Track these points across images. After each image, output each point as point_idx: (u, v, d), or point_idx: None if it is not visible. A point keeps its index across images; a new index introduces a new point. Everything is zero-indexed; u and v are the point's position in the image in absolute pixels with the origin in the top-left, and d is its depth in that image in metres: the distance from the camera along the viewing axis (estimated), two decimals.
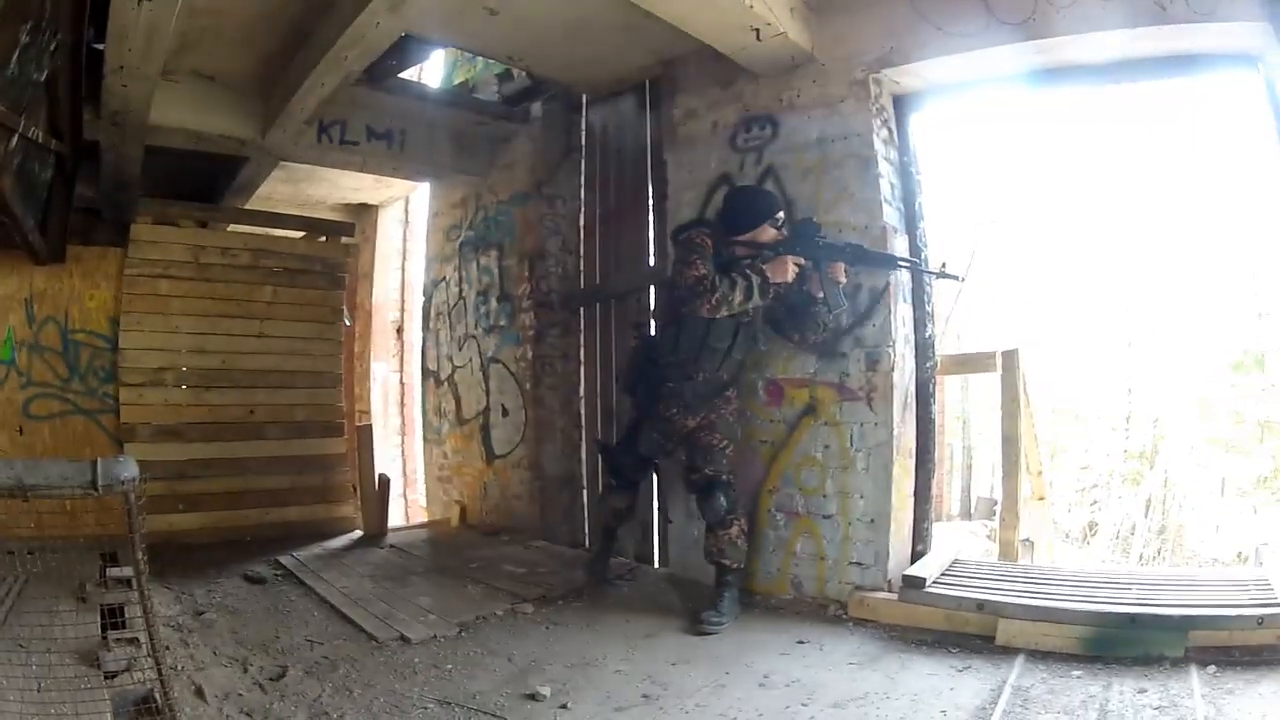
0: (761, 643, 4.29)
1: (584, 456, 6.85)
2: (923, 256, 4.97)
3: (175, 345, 6.79)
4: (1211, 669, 3.54)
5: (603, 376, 6.62)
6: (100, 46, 4.34)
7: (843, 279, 4.62)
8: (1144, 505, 6.66)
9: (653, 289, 6.09)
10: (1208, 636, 3.67)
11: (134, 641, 3.46)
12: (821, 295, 4.60)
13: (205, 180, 7.71)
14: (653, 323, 5.89)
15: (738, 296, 4.49)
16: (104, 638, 3.63)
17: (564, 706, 3.61)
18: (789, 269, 4.58)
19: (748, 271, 4.54)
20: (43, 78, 3.87)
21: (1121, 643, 3.77)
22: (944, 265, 4.91)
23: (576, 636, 4.57)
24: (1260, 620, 3.62)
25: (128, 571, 3.84)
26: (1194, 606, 3.83)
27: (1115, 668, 3.67)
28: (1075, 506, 7.01)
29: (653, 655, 4.24)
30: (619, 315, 6.43)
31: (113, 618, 3.78)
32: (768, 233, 4.69)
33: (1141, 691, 3.41)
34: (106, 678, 3.37)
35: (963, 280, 4.96)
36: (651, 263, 6.15)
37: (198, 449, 6.81)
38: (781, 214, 4.74)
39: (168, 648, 4.10)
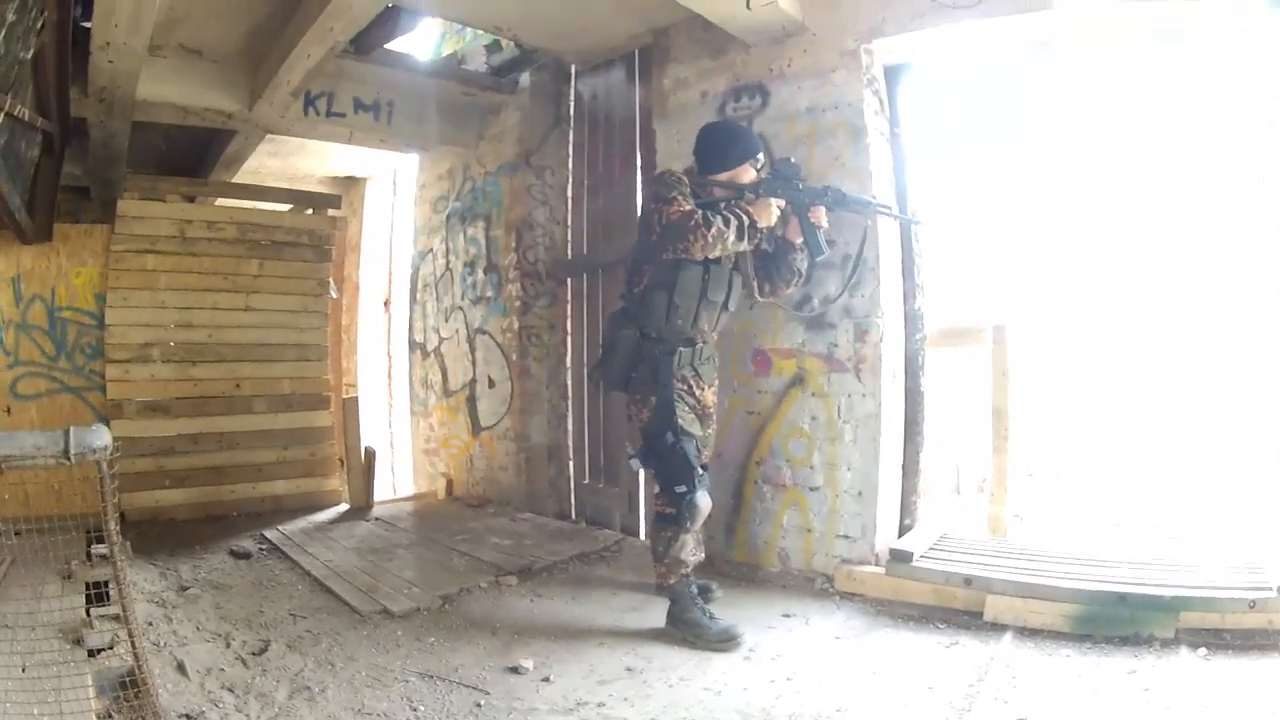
0: (747, 616, 4.24)
1: (569, 428, 6.85)
2: (914, 226, 4.92)
3: (161, 320, 6.78)
4: (1202, 651, 3.51)
5: (590, 347, 6.60)
6: (88, 24, 4.33)
7: (824, 223, 4.29)
8: (1136, 483, 6.61)
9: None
10: (1199, 618, 3.63)
11: (118, 618, 3.43)
12: (800, 241, 4.30)
13: (193, 155, 7.71)
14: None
15: (731, 235, 3.93)
16: (88, 615, 3.61)
17: (546, 679, 3.59)
18: (773, 211, 4.13)
19: (737, 210, 4.02)
20: (29, 56, 3.82)
21: (1111, 622, 3.73)
22: (914, 214, 4.85)
23: (561, 609, 4.56)
24: (1252, 603, 3.57)
25: None
26: (1185, 587, 3.78)
27: (1105, 647, 3.64)
28: (1063, 484, 6.96)
29: (637, 628, 4.23)
30: (606, 286, 6.38)
31: (98, 594, 3.77)
32: (749, 173, 4.23)
33: (1131, 673, 3.38)
34: (90, 655, 3.36)
35: (919, 223, 4.83)
36: None
37: (184, 424, 6.80)
38: (762, 155, 4.34)
39: (150, 624, 4.13)
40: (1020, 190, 6.54)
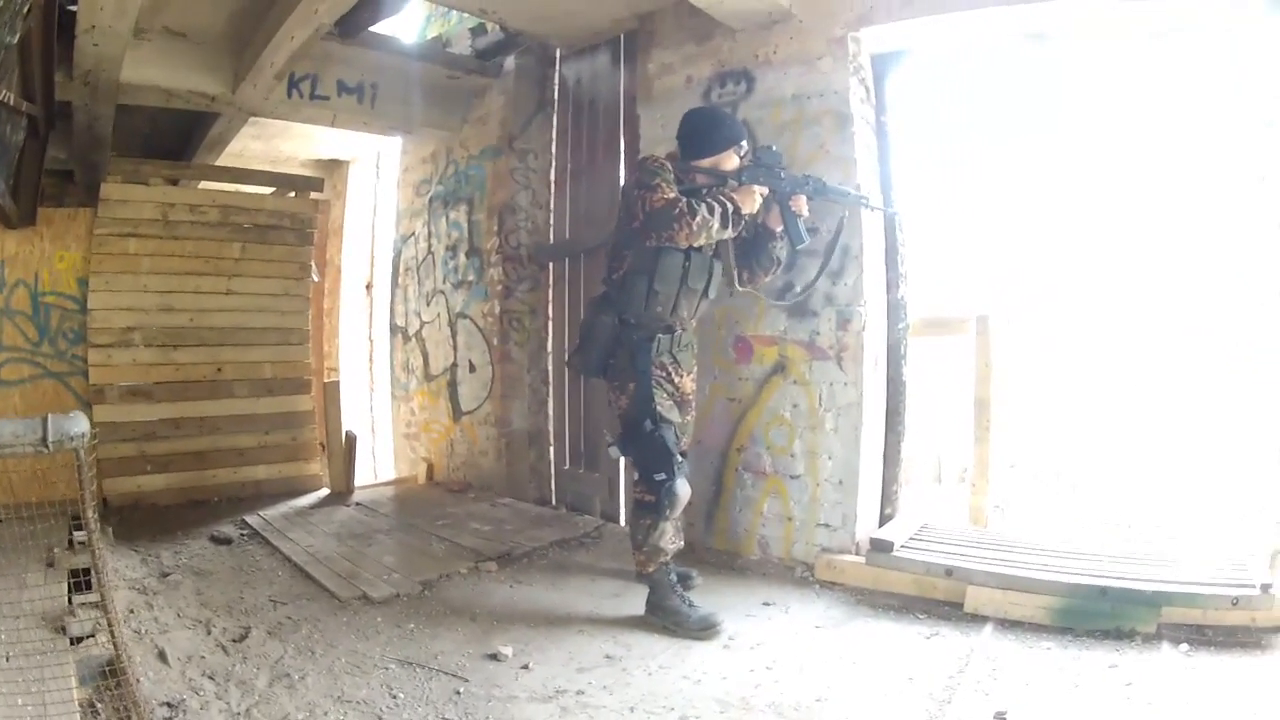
0: (727, 604, 4.26)
1: (550, 413, 6.86)
2: (895, 216, 4.92)
3: (143, 304, 6.73)
4: (1184, 647, 3.52)
5: (571, 332, 6.56)
6: (73, 8, 4.31)
7: (804, 212, 4.31)
8: (1118, 477, 6.65)
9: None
10: (1181, 614, 3.65)
11: (100, 605, 3.43)
12: (781, 229, 4.31)
13: (177, 138, 7.66)
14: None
15: (715, 224, 3.92)
16: (70, 602, 3.60)
17: (525, 667, 3.60)
18: (756, 199, 4.13)
19: (721, 198, 4.01)
20: (14, 40, 3.79)
21: (1092, 615, 3.75)
22: (893, 205, 4.85)
23: (540, 595, 4.57)
24: (1235, 600, 3.58)
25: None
26: (1167, 582, 3.79)
27: (1086, 640, 3.65)
28: (1047, 475, 6.99)
29: (617, 615, 4.25)
30: (589, 271, 6.36)
31: (81, 581, 3.75)
32: (732, 160, 4.20)
33: (1113, 667, 3.40)
34: (73, 643, 3.34)
35: (896, 213, 4.84)
36: None
37: (166, 409, 6.77)
38: (746, 142, 4.32)
39: (132, 611, 4.12)
40: (1009, 182, 6.53)
